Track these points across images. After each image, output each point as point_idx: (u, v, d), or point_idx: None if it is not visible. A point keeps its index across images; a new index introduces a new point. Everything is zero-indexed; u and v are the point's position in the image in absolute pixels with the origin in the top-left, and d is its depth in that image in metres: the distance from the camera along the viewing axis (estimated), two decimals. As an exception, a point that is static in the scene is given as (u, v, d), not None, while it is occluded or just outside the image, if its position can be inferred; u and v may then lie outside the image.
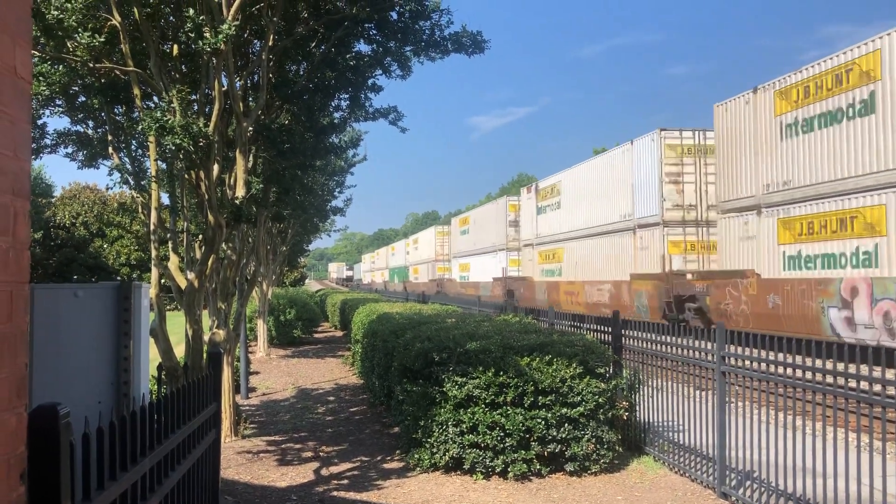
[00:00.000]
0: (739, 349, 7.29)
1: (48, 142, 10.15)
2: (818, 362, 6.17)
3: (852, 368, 5.76)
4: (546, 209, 34.13)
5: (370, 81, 10.19)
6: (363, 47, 9.99)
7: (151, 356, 4.88)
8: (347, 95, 10.51)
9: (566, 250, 31.15)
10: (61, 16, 7.23)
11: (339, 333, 30.29)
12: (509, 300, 33.83)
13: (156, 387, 5.80)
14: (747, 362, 7.15)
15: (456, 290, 48.86)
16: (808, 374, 6.32)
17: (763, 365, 6.87)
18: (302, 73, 9.91)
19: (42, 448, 1.98)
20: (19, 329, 1.90)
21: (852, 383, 5.84)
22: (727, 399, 7.40)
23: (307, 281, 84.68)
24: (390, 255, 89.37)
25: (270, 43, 8.55)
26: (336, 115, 11.60)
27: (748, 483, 7.04)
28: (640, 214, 25.12)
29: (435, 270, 58.98)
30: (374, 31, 9.45)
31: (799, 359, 6.40)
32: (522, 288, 35.88)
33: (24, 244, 1.94)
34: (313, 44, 9.55)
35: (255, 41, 9.62)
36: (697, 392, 7.84)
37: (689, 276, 22.74)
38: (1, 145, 1.81)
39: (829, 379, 6.08)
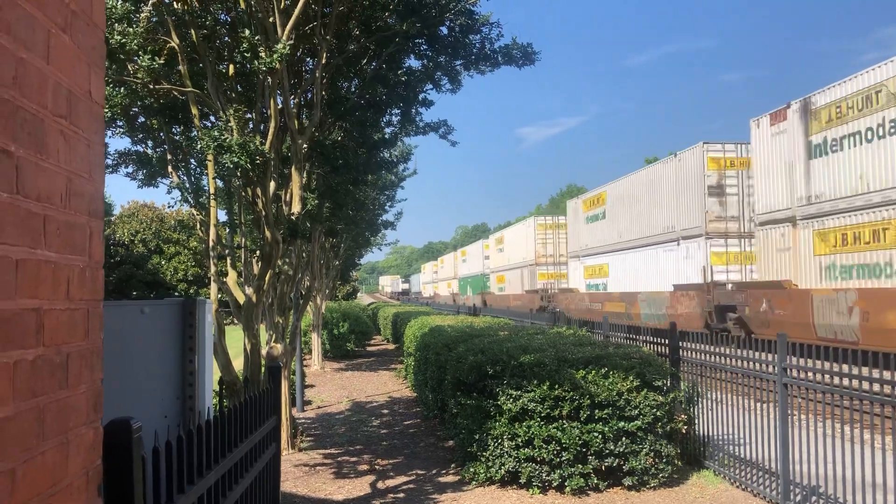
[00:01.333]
0: (801, 361, 7.11)
1: (109, 162, 10.45)
2: (886, 374, 5.98)
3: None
4: (833, 146, 17.42)
5: (421, 96, 10.25)
6: (414, 62, 10.08)
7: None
8: (398, 111, 10.59)
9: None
10: (123, 40, 7.45)
11: (392, 346, 30.41)
12: (719, 323, 20.29)
13: (217, 401, 5.90)
14: (810, 374, 6.97)
15: (583, 306, 32.15)
16: (876, 387, 6.13)
17: (826, 377, 6.69)
18: (354, 89, 10.03)
19: (116, 461, 2.02)
20: (95, 346, 1.96)
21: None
22: (789, 411, 7.22)
23: (359, 294, 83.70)
24: (460, 262, 73.75)
25: (323, 61, 8.68)
26: (387, 130, 11.72)
27: (814, 498, 6.86)
28: None
29: (534, 278, 42.57)
30: (425, 47, 9.53)
31: (865, 370, 6.22)
32: (765, 301, 19.18)
33: (98, 263, 1.99)
34: (364, 60, 9.66)
35: (308, 59, 9.78)
36: (758, 405, 7.67)
37: None
38: (78, 168, 1.86)
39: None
